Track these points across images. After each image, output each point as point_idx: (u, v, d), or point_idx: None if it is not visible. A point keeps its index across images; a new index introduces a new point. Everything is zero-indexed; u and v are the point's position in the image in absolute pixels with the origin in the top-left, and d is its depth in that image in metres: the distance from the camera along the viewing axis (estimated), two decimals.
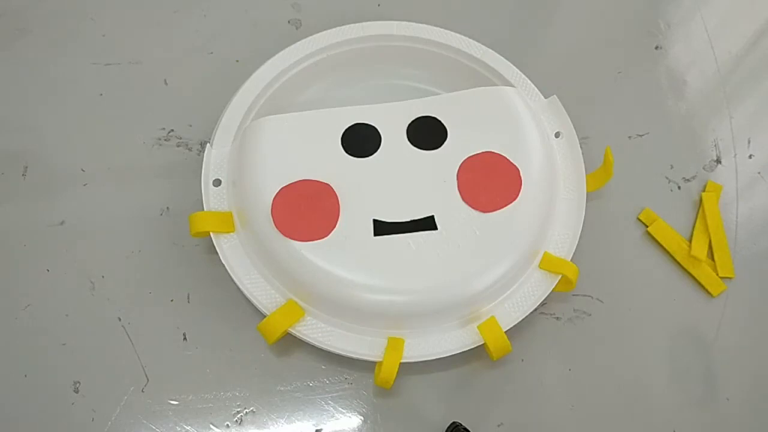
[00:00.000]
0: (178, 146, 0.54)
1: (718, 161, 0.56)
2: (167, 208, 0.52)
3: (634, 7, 0.64)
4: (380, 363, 0.44)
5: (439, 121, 0.49)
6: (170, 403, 0.45)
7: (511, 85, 0.52)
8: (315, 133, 0.48)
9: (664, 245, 0.52)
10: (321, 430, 0.45)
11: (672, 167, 0.55)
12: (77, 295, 0.48)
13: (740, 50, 0.62)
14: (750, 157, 0.57)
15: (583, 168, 0.50)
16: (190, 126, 0.55)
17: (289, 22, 0.61)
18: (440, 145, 0.48)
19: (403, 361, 0.43)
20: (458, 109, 0.50)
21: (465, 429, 0.44)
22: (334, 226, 0.45)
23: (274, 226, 0.44)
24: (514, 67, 0.54)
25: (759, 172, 0.56)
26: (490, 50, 0.54)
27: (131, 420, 0.44)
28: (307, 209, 0.45)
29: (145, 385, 0.46)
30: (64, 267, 0.49)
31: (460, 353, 0.44)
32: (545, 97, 0.53)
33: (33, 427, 0.44)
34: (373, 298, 0.43)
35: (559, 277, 0.46)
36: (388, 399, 0.46)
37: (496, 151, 0.48)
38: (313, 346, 0.44)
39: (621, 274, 0.51)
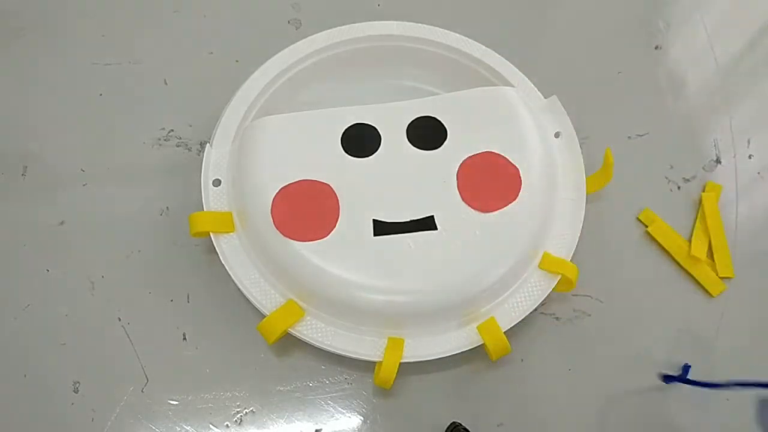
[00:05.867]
0: (178, 146, 0.54)
1: (718, 161, 0.56)
2: (167, 208, 0.52)
3: (634, 7, 0.64)
4: (380, 363, 0.44)
5: (439, 121, 0.49)
6: (170, 403, 0.45)
7: (511, 85, 0.52)
8: (315, 133, 0.48)
9: (664, 245, 0.52)
10: (321, 430, 0.45)
11: (672, 167, 0.55)
12: (77, 295, 0.48)
13: (740, 50, 0.62)
14: (750, 157, 0.57)
15: (582, 168, 0.50)
16: (190, 126, 0.55)
17: (289, 22, 0.61)
18: (440, 145, 0.48)
19: (403, 361, 0.43)
20: (458, 109, 0.50)
21: (465, 429, 0.44)
22: (334, 226, 0.45)
23: (273, 226, 0.44)
24: (514, 67, 0.54)
25: (759, 172, 0.56)
26: (490, 50, 0.54)
27: (131, 420, 0.45)
28: (306, 209, 0.45)
29: (145, 385, 0.46)
30: (64, 267, 0.49)
31: (460, 353, 0.44)
32: (545, 97, 0.53)
33: (33, 427, 0.44)
34: (373, 298, 0.43)
35: (559, 277, 0.46)
36: (388, 399, 0.46)
37: (496, 151, 0.48)
38: (313, 346, 0.44)
39: (621, 274, 0.51)
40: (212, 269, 0.48)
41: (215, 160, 0.49)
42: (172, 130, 0.55)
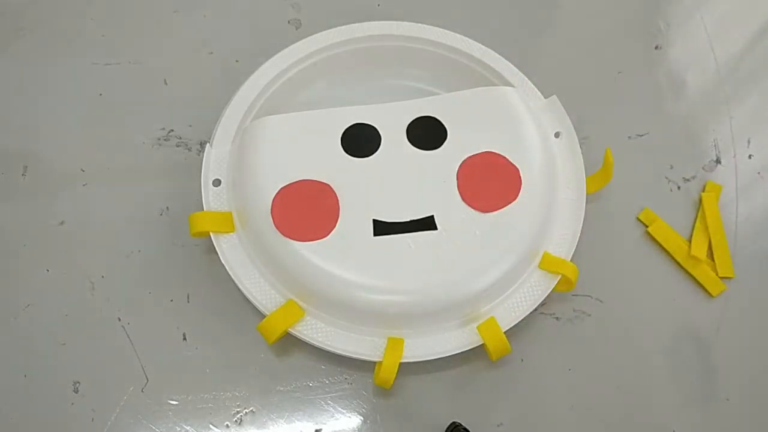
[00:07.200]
0: (178, 146, 0.54)
1: (718, 161, 0.56)
2: (167, 208, 0.52)
3: (634, 7, 0.64)
4: (380, 363, 0.44)
5: (439, 121, 0.49)
6: (170, 403, 0.45)
7: (511, 85, 0.52)
8: (315, 133, 0.48)
9: (664, 245, 0.52)
10: (321, 430, 0.45)
11: (672, 167, 0.55)
12: (77, 295, 0.48)
13: (740, 50, 0.62)
14: (750, 157, 0.57)
15: (582, 168, 0.50)
16: (190, 126, 0.55)
17: (289, 22, 0.61)
18: (440, 145, 0.48)
19: (403, 361, 0.43)
20: (458, 109, 0.50)
21: (465, 429, 0.44)
22: (334, 226, 0.45)
23: (274, 226, 0.44)
24: (514, 67, 0.54)
25: (759, 172, 0.56)
26: (490, 50, 0.54)
27: (131, 420, 0.45)
28: (307, 209, 0.45)
29: (145, 385, 0.46)
30: (64, 267, 0.49)
31: (460, 353, 0.44)
32: (545, 97, 0.53)
33: (33, 427, 0.44)
34: (373, 298, 0.43)
35: (559, 277, 0.46)
36: (388, 399, 0.46)
37: (496, 151, 0.48)
38: (313, 346, 0.44)
39: (621, 274, 0.51)
40: (212, 269, 0.48)
41: (215, 160, 0.49)
42: (172, 130, 0.55)
